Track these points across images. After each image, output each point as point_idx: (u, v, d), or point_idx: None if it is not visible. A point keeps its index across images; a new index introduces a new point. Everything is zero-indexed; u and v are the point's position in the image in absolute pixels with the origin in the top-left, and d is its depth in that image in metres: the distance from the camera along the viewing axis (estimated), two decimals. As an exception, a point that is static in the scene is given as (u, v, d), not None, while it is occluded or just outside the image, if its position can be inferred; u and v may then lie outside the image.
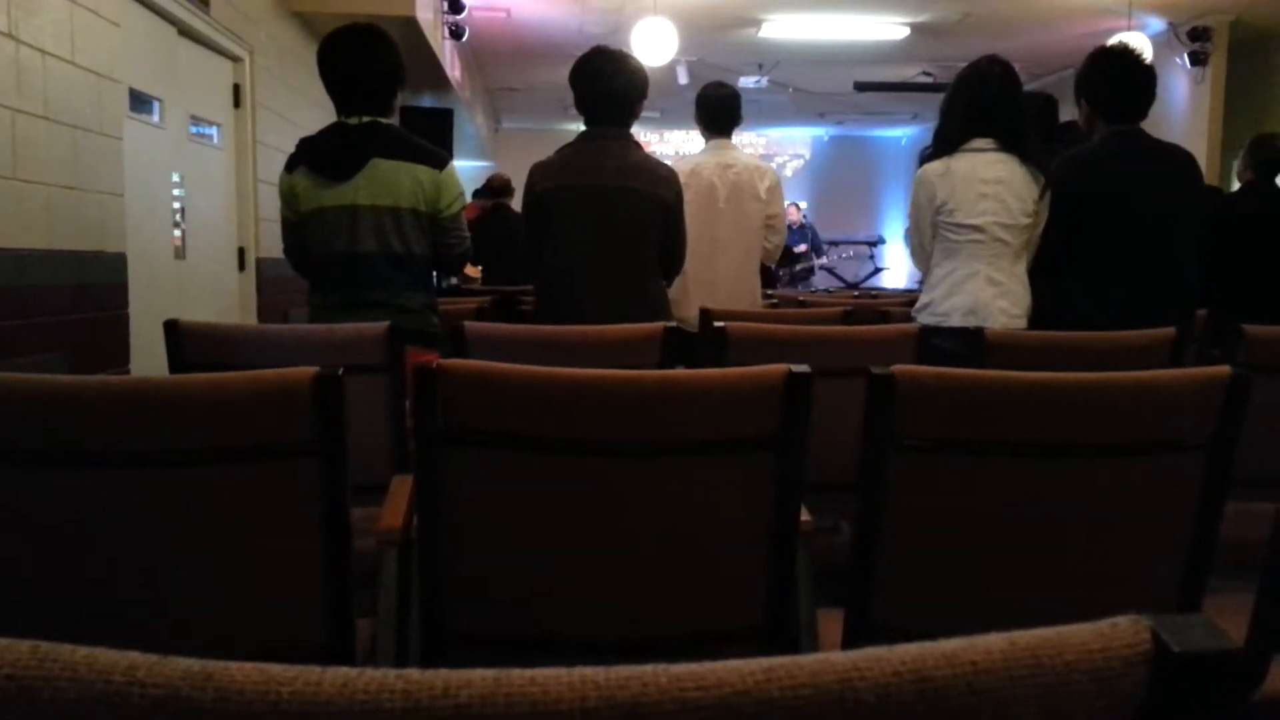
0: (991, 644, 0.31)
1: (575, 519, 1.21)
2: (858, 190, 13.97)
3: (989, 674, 0.30)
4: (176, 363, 2.03)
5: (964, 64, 2.76)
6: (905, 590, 1.25)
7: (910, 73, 9.09)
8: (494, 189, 6.94)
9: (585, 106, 2.80)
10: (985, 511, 1.20)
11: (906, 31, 7.75)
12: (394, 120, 2.67)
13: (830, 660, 0.30)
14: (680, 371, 1.16)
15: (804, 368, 1.16)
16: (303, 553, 1.19)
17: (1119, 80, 2.68)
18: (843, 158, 14.03)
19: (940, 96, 2.80)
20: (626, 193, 2.71)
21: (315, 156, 2.56)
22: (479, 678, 0.30)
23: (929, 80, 8.96)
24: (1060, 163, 2.70)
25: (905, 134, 13.54)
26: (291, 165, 2.60)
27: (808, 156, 14.34)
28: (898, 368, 1.16)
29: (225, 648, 1.20)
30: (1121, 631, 0.32)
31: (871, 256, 13.72)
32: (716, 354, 2.04)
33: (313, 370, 1.13)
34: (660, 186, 2.77)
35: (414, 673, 0.30)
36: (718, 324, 2.01)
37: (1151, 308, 2.52)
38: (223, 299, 4.58)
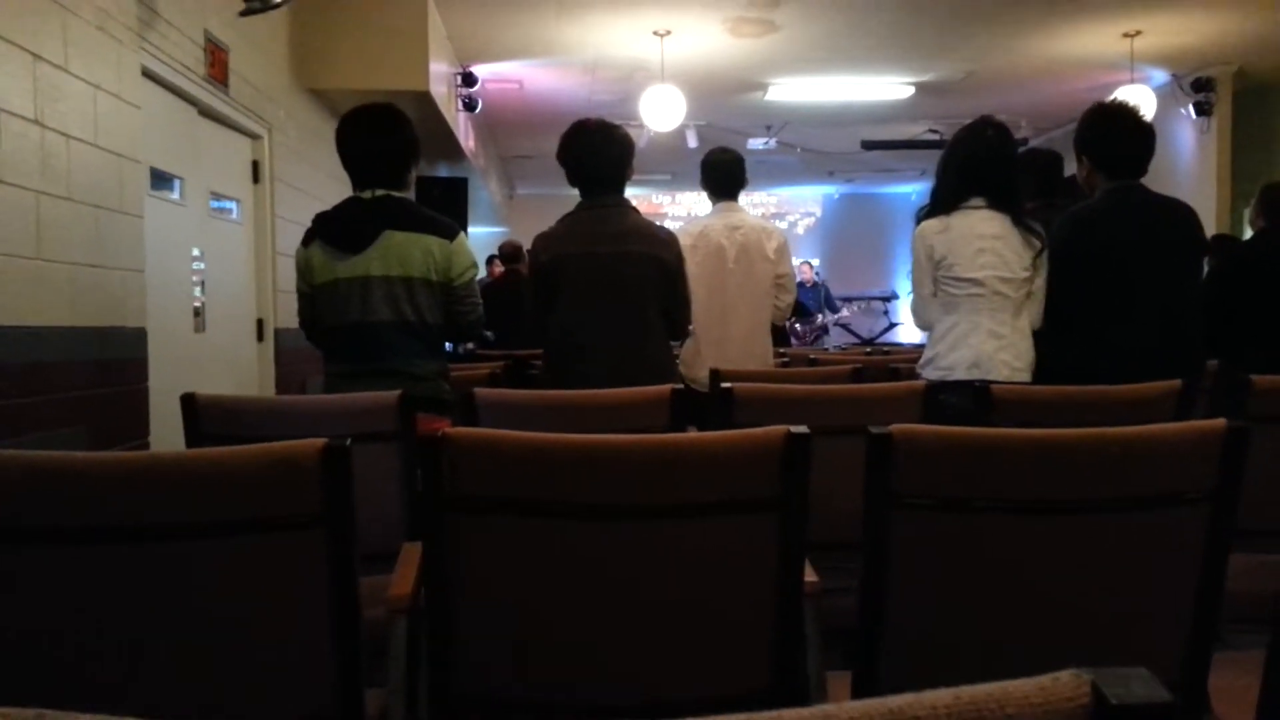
0: (937, 699, 0.33)
1: (581, 584, 1.22)
2: (869, 246, 14.06)
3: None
4: (193, 435, 2.07)
5: (969, 120, 2.81)
6: (912, 650, 1.25)
7: (916, 130, 9.21)
8: (505, 255, 7.05)
9: (580, 179, 2.88)
10: (989, 569, 1.20)
11: (911, 91, 7.87)
12: (408, 193, 2.74)
13: (780, 717, 0.32)
14: (681, 435, 1.18)
15: (802, 429, 1.17)
16: (312, 624, 1.21)
17: (1117, 137, 2.73)
18: (853, 215, 14.16)
19: None
20: (628, 257, 2.77)
21: (330, 230, 2.63)
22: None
23: (935, 137, 9.07)
24: (1061, 220, 2.74)
25: (914, 190, 13.66)
26: (307, 240, 2.67)
27: (819, 214, 14.48)
28: (896, 427, 1.18)
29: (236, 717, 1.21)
30: (1062, 685, 0.34)
31: (885, 312, 13.75)
32: (724, 415, 2.06)
33: (321, 442, 1.16)
34: (660, 249, 2.82)
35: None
36: (725, 385, 2.04)
37: (1156, 361, 2.52)
38: (241, 370, 4.64)
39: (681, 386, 2.16)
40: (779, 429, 1.18)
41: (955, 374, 2.59)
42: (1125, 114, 2.76)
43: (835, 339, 11.08)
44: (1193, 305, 2.69)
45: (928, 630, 1.25)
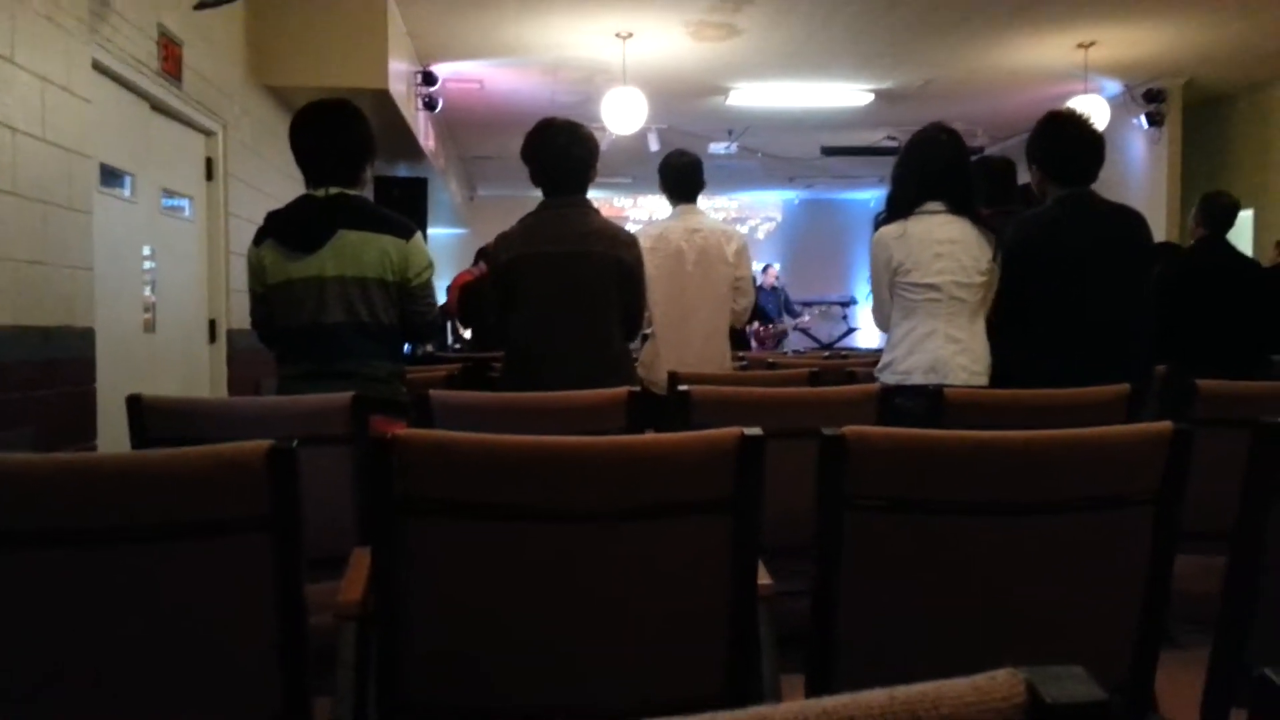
0: (873, 699, 0.32)
1: (533, 587, 1.21)
2: (829, 252, 14.18)
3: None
4: (139, 438, 2.02)
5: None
6: (865, 652, 1.25)
7: (875, 137, 9.30)
8: (487, 255, 7.00)
9: (543, 178, 2.86)
10: (940, 570, 1.21)
11: (870, 98, 7.94)
12: (364, 192, 2.71)
13: (715, 718, 0.31)
14: (635, 437, 1.18)
15: (756, 431, 1.17)
16: (256, 629, 1.19)
17: (1069, 145, 2.77)
18: (813, 220, 14.26)
19: None
20: (588, 257, 2.76)
21: (282, 229, 2.58)
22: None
23: (894, 144, 9.16)
24: (1014, 225, 2.77)
25: (873, 196, 13.80)
26: (259, 238, 2.62)
27: (779, 219, 14.56)
28: (849, 429, 1.18)
29: (178, 727, 1.18)
30: (998, 684, 0.33)
31: (844, 317, 13.87)
32: (681, 418, 2.06)
33: (266, 444, 1.13)
34: (620, 250, 2.82)
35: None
36: (681, 388, 2.03)
37: (1105, 365, 2.56)
38: (193, 371, 4.56)
39: (639, 389, 2.15)
40: (733, 431, 1.17)
41: (912, 378, 2.61)
42: (1075, 123, 2.80)
43: (794, 343, 11.14)
44: (1141, 310, 2.74)
45: (880, 632, 1.25)
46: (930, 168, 2.69)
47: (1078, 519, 1.17)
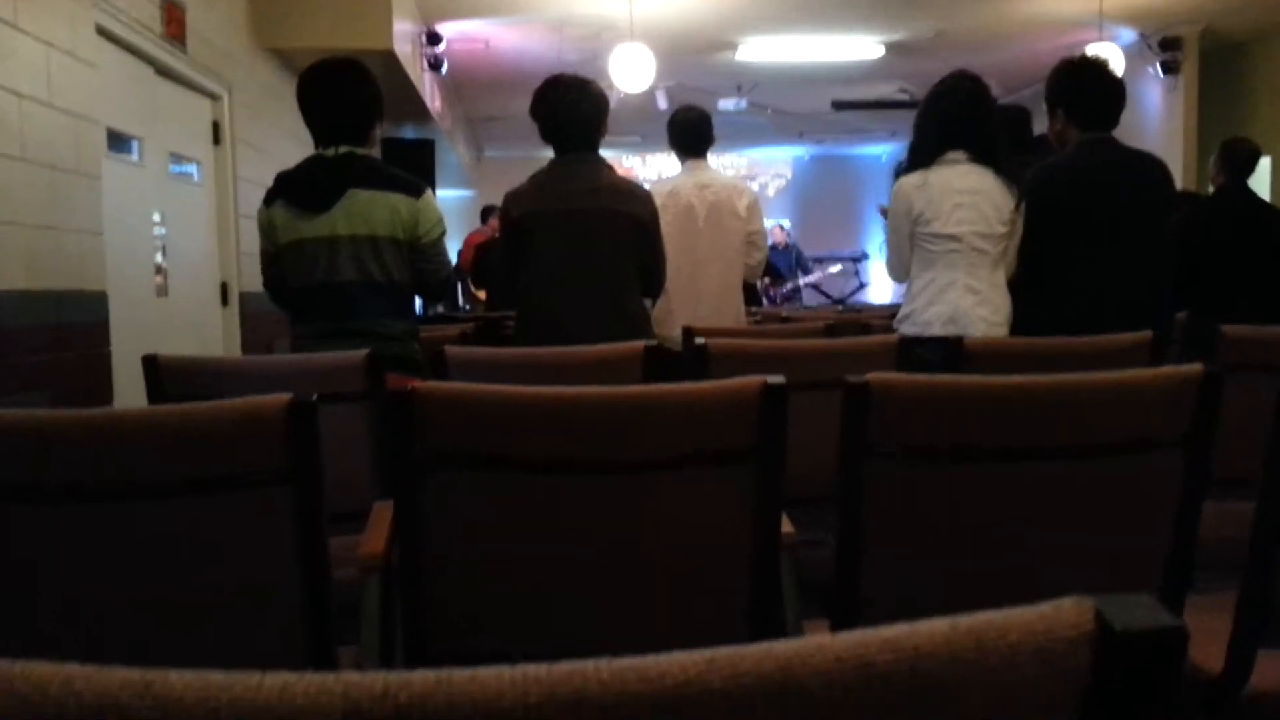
0: (935, 628, 0.31)
1: (556, 538, 1.20)
2: (840, 207, 14.06)
3: (932, 657, 0.30)
4: (156, 398, 2.02)
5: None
6: (890, 598, 1.25)
7: (887, 90, 9.17)
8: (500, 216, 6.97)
9: (553, 135, 2.83)
10: (965, 517, 1.20)
11: (881, 51, 7.82)
12: (372, 151, 2.68)
13: (772, 650, 0.30)
14: (656, 387, 1.16)
15: (779, 379, 1.16)
16: (280, 582, 1.19)
17: (1091, 89, 2.72)
18: (824, 176, 14.13)
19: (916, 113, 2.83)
20: (602, 213, 2.73)
21: (292, 189, 2.57)
22: (419, 678, 0.30)
23: (905, 97, 9.04)
24: (1035, 172, 2.73)
25: (884, 151, 13.65)
26: (269, 199, 2.61)
27: (789, 176, 14.43)
28: (873, 376, 1.17)
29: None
30: (1065, 612, 0.32)
31: (856, 272, 13.79)
32: (698, 371, 2.05)
33: (286, 397, 1.13)
34: (635, 205, 2.79)
35: (353, 675, 0.29)
36: (698, 341, 2.02)
37: (1129, 312, 2.54)
38: (206, 335, 4.57)
39: (655, 343, 2.14)
40: (755, 379, 1.16)
41: (932, 329, 2.59)
42: (1097, 66, 2.75)
43: (807, 300, 11.09)
44: (1163, 257, 2.70)
45: (904, 579, 1.25)
46: (952, 116, 2.64)
47: (1105, 464, 1.16)
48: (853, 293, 13.00)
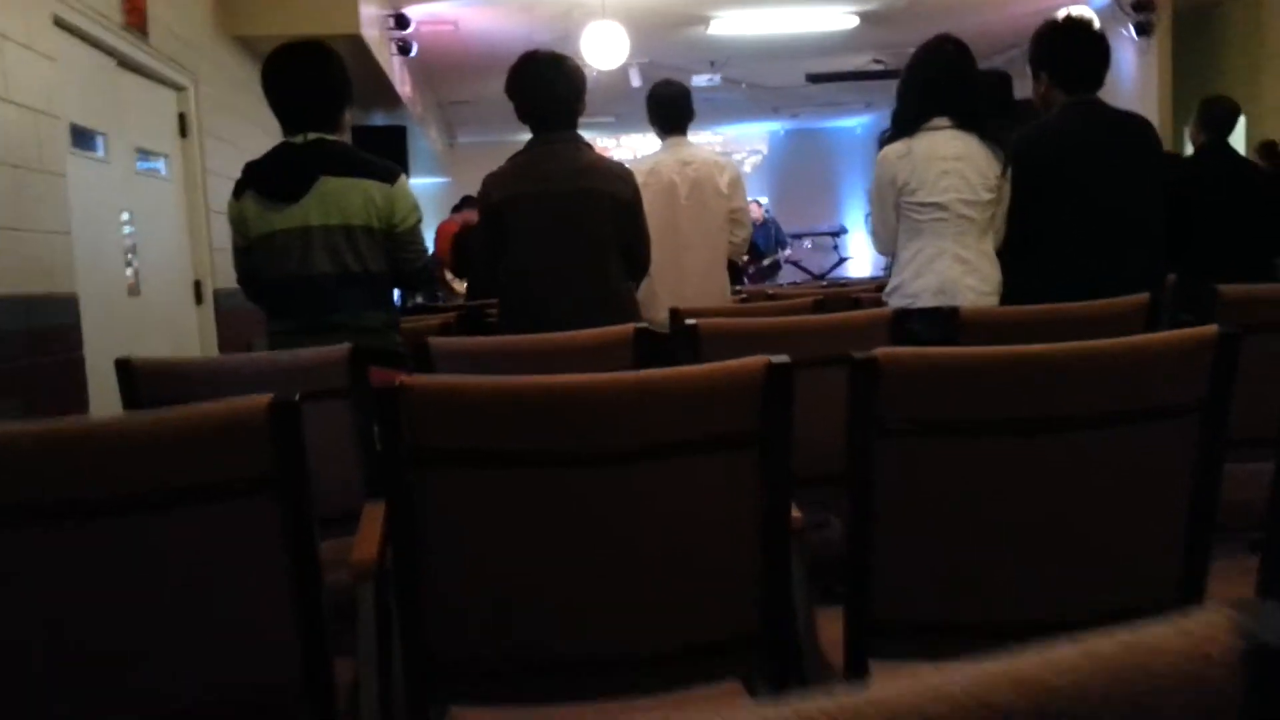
0: (1063, 660, 0.27)
1: (558, 533, 1.15)
2: (817, 182, 14.01)
3: (1061, 695, 0.25)
4: (131, 403, 1.95)
5: (914, 49, 2.74)
6: (904, 580, 1.21)
7: (861, 61, 9.12)
8: (475, 198, 6.86)
9: (530, 114, 2.75)
10: (979, 492, 1.16)
11: (855, 21, 7.76)
12: (343, 137, 2.60)
13: (879, 702, 0.25)
14: (656, 371, 1.11)
15: (783, 358, 1.11)
16: (270, 593, 1.13)
17: (1075, 49, 2.67)
18: (800, 151, 14.07)
19: (893, 83, 2.78)
20: (583, 194, 2.66)
21: (262, 179, 2.49)
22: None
23: (880, 68, 8.99)
24: (1020, 136, 2.69)
25: (860, 123, 13.61)
26: (239, 190, 2.53)
27: (765, 152, 14.37)
28: (881, 350, 1.12)
29: (196, 698, 1.13)
30: (1207, 626, 0.28)
31: (835, 247, 13.76)
32: (689, 353, 2.00)
33: (267, 398, 1.07)
34: (616, 185, 2.72)
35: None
36: (689, 321, 1.97)
37: (1122, 276, 2.50)
38: (181, 334, 4.48)
39: (646, 325, 2.09)
40: (758, 359, 1.11)
41: (920, 301, 2.55)
42: (1081, 27, 2.70)
43: (787, 276, 11.05)
44: (1155, 217, 2.66)
45: (919, 559, 1.21)
46: (935, 81, 2.59)
47: (1121, 431, 1.12)
48: (833, 267, 12.97)
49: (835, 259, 13.39)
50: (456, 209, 9.05)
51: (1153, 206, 2.66)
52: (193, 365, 2.06)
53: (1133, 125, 2.71)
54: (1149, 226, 2.65)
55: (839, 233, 13.96)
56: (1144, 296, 2.15)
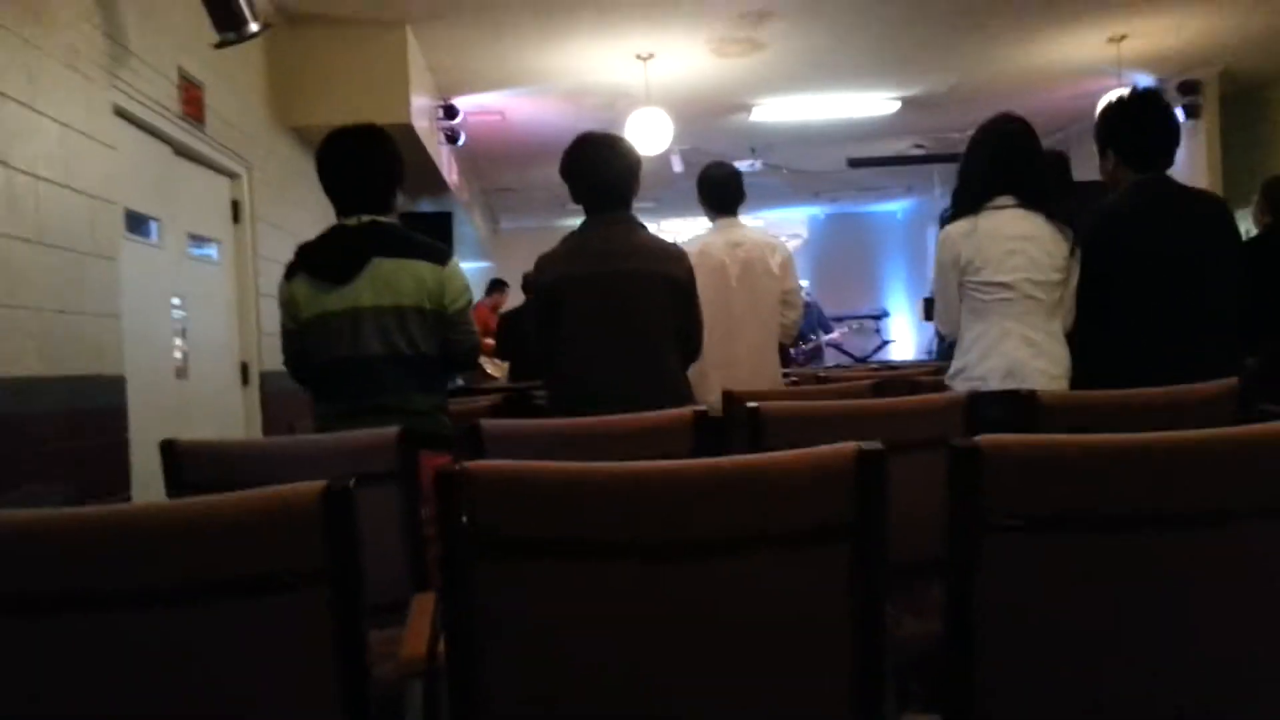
0: None
1: (626, 633, 1.06)
2: (858, 266, 13.99)
3: None
4: (175, 486, 1.89)
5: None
6: (1008, 690, 1.09)
7: (901, 146, 9.14)
8: (526, 284, 6.87)
9: (584, 196, 2.73)
10: (1098, 595, 1.04)
11: (896, 106, 7.80)
12: (394, 219, 2.59)
13: None
14: (736, 458, 1.03)
15: (876, 445, 1.02)
16: (317, 691, 1.04)
17: (1145, 125, 2.60)
18: (840, 235, 14.10)
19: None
20: (638, 275, 2.61)
21: (314, 261, 2.47)
22: None
23: (921, 152, 9.00)
24: (1091, 215, 2.60)
25: (900, 207, 13.63)
26: (290, 273, 2.51)
27: (805, 236, 14.40)
28: (984, 438, 1.03)
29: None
30: None
31: (877, 330, 13.66)
32: (753, 438, 1.91)
33: (320, 485, 0.99)
34: (671, 265, 2.68)
35: None
36: (751, 405, 1.88)
37: (1196, 361, 2.38)
38: (226, 416, 4.46)
39: (705, 408, 2.00)
40: (848, 446, 1.02)
41: (989, 383, 2.44)
42: (1153, 101, 2.63)
43: (828, 359, 10.95)
44: (1231, 298, 2.55)
45: (1026, 667, 1.09)
46: (1000, 159, 2.53)
47: (1263, 527, 1.01)
48: (875, 350, 12.86)
49: (877, 342, 13.28)
50: (488, 292, 9.12)
51: (1227, 288, 2.55)
52: (239, 447, 2.01)
53: (1207, 203, 2.62)
54: (1223, 309, 2.53)
55: (880, 316, 13.89)
56: (1231, 382, 2.03)
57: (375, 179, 2.49)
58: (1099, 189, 2.79)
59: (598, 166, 2.68)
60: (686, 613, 1.05)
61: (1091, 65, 6.95)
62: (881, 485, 1.03)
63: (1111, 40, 6.47)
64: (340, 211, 2.50)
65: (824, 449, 1.02)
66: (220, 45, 3.75)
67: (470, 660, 1.06)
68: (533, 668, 1.08)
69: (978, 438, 1.03)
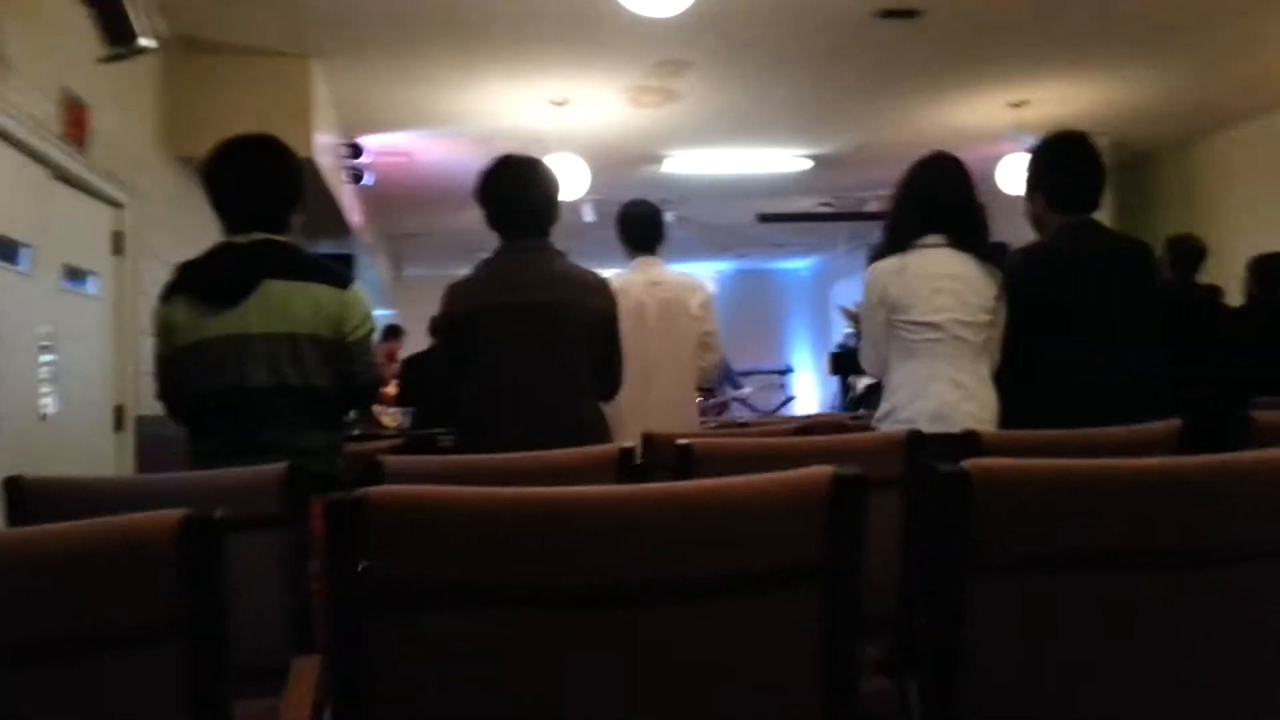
0: None
1: (557, 695, 0.88)
2: (764, 321, 14.14)
3: None
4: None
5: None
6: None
7: (809, 204, 9.27)
8: (434, 327, 6.58)
9: (501, 221, 2.55)
10: (1097, 641, 0.91)
11: (808, 164, 7.89)
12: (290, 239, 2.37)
13: None
14: (693, 484, 0.87)
15: (854, 469, 0.87)
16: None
17: (1073, 167, 2.58)
18: (748, 290, 14.23)
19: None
20: (558, 306, 2.45)
21: (197, 281, 2.23)
22: None
23: (829, 209, 9.14)
24: (1018, 259, 2.56)
25: (805, 265, 13.86)
26: (168, 293, 2.26)
27: (714, 291, 14.47)
28: (972, 463, 0.89)
29: None
30: None
31: (781, 386, 13.76)
32: (681, 478, 1.74)
33: (177, 514, 0.80)
34: (592, 297, 2.52)
35: None
36: (681, 441, 1.73)
37: (1126, 404, 2.34)
38: (96, 463, 4.09)
39: (631, 445, 1.84)
40: (822, 470, 0.88)
41: (918, 426, 2.34)
42: (1081, 143, 2.62)
43: (735, 414, 10.92)
44: (1156, 343, 2.52)
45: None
46: (932, 197, 2.47)
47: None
48: (780, 405, 12.92)
49: (782, 397, 13.36)
50: (383, 339, 8.76)
51: (1154, 333, 2.53)
52: (96, 485, 1.76)
53: (1133, 248, 2.60)
54: (1151, 353, 2.50)
55: (785, 371, 14.01)
56: (1176, 422, 1.97)
57: (270, 192, 2.27)
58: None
59: (517, 189, 2.52)
60: (630, 671, 0.88)
61: (993, 129, 7.16)
62: (860, 517, 0.88)
63: (1012, 105, 6.69)
64: (229, 229, 2.27)
65: (793, 474, 0.87)
66: (108, 60, 3.49)
67: (363, 732, 0.87)
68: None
69: (964, 463, 0.89)
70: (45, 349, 3.69)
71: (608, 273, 2.88)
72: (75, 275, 4.06)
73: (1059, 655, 0.93)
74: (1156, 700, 0.94)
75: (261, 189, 2.26)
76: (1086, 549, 0.90)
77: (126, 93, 4.40)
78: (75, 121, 3.80)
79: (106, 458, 4.21)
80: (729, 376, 10.99)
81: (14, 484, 1.64)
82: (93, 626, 0.81)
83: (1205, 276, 4.39)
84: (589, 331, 2.48)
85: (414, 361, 6.29)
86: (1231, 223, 7.31)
